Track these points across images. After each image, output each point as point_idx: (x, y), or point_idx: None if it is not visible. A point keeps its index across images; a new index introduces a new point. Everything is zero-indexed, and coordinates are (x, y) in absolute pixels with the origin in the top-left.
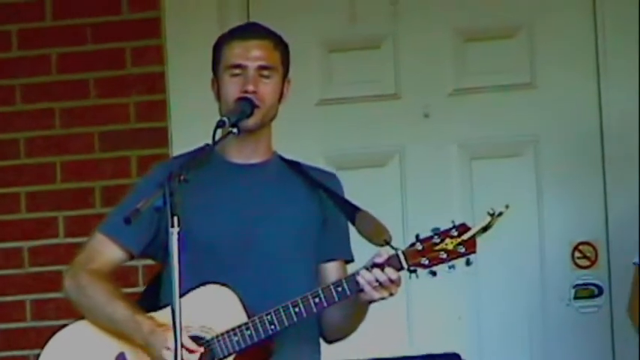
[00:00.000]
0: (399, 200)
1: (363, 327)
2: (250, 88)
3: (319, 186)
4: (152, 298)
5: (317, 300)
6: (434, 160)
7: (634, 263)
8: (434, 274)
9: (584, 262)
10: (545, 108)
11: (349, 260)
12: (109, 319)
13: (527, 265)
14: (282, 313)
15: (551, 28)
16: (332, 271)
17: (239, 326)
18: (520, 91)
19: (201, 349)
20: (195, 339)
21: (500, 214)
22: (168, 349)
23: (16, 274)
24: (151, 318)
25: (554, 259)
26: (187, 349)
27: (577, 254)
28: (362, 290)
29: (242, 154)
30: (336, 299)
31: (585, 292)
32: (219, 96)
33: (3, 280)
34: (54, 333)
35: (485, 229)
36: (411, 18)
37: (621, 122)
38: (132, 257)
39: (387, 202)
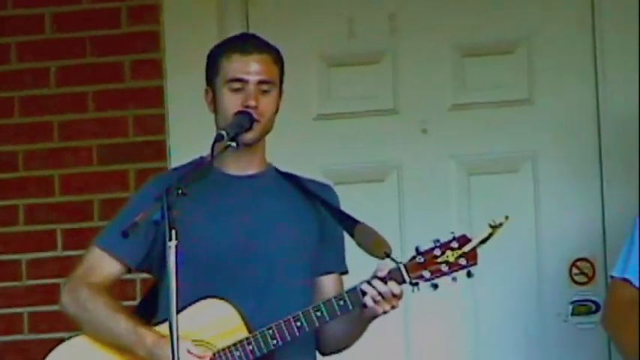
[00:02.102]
0: (397, 215)
1: (359, 341)
2: (252, 103)
3: (316, 197)
4: (147, 313)
5: (319, 314)
6: (432, 176)
7: (611, 276)
8: (435, 286)
9: (582, 279)
10: (543, 124)
11: (344, 272)
12: (111, 332)
13: (524, 280)
14: (284, 328)
15: (550, 44)
16: (329, 283)
17: (240, 341)
18: (518, 107)
19: (210, 354)
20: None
21: (501, 224)
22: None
23: (13, 286)
24: (154, 330)
25: (551, 275)
26: (198, 357)
27: (574, 270)
28: (364, 304)
29: (239, 166)
30: (339, 313)
31: (583, 308)
32: (214, 107)
33: (7, 294)
34: (53, 346)
35: (485, 240)
36: (409, 34)
37: (620, 139)
38: (129, 271)
39: (385, 217)
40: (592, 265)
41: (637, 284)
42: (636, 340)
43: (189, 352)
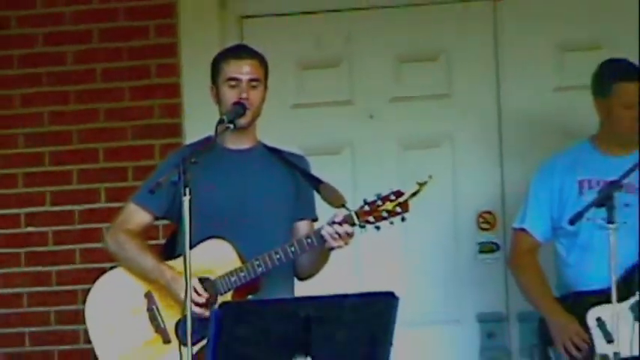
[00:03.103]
0: (350, 177)
1: (323, 272)
2: (244, 95)
3: (292, 165)
4: (170, 250)
5: (292, 249)
6: (376, 150)
7: (512, 228)
8: (378, 228)
9: (486, 226)
10: (459, 112)
11: (315, 219)
12: (140, 267)
13: (443, 227)
14: (267, 259)
15: (463, 54)
16: (303, 227)
17: (235, 270)
18: (440, 100)
19: (206, 295)
20: (203, 280)
21: (425, 182)
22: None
23: (69, 229)
24: (172, 267)
25: (463, 224)
26: (196, 292)
27: (480, 220)
28: (325, 241)
29: (236, 142)
30: (307, 248)
31: (487, 248)
32: (217, 100)
33: (59, 235)
34: (99, 274)
35: (414, 194)
36: (360, 45)
37: (514, 123)
38: (156, 219)
39: (342, 179)
40: (493, 216)
41: (532, 232)
42: (531, 279)
43: (194, 289)
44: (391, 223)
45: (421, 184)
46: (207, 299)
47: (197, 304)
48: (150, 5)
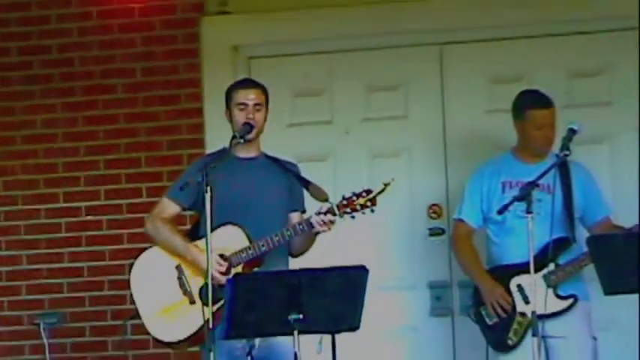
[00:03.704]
0: (332, 178)
1: (311, 250)
2: (251, 116)
3: (287, 169)
4: (194, 233)
5: (288, 233)
6: (351, 157)
7: (453, 218)
8: (353, 217)
9: (434, 216)
10: (414, 129)
11: (304, 211)
12: (171, 246)
13: (403, 216)
14: (269, 240)
15: (418, 83)
16: (295, 216)
17: (245, 248)
18: (400, 120)
19: (227, 264)
20: (220, 255)
21: (389, 183)
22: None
23: (118, 218)
24: (196, 246)
25: (417, 213)
26: (219, 264)
27: (430, 211)
28: (313, 227)
29: (244, 152)
30: (299, 232)
31: (435, 232)
32: (230, 120)
33: (111, 222)
34: (141, 251)
35: (381, 192)
36: (339, 78)
37: (456, 137)
38: (184, 210)
39: (326, 179)
40: (440, 208)
41: (467, 221)
42: (467, 257)
43: (217, 261)
44: (363, 213)
45: (386, 184)
46: (227, 267)
47: (221, 273)
48: (180, 49)
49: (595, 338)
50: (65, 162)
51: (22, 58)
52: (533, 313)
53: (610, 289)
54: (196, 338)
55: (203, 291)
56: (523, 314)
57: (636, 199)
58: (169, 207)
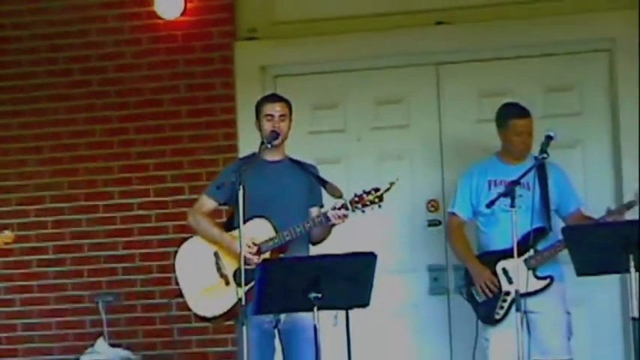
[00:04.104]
0: (345, 178)
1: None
2: (277, 126)
3: (308, 170)
4: (228, 225)
5: (308, 225)
6: (362, 160)
7: (449, 212)
8: (364, 211)
9: (432, 209)
10: (415, 137)
11: (322, 206)
12: (210, 235)
13: (406, 210)
14: (293, 231)
15: (416, 99)
16: (314, 210)
17: (272, 237)
18: (403, 129)
19: (256, 247)
20: (253, 244)
21: (394, 182)
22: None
23: (166, 212)
24: (231, 235)
25: (417, 207)
26: (248, 246)
27: (429, 205)
28: (329, 220)
29: (271, 156)
30: (318, 224)
31: (433, 223)
32: (259, 129)
33: (159, 216)
34: (182, 241)
35: (387, 190)
36: (351, 93)
37: (451, 142)
38: (220, 205)
39: (340, 179)
40: (437, 202)
41: (459, 214)
42: (459, 244)
43: (248, 245)
44: (372, 208)
45: (391, 183)
46: (257, 249)
47: (252, 254)
48: (216, 69)
49: (568, 313)
50: (119, 165)
51: (83, 77)
52: (516, 291)
53: (582, 271)
54: (231, 314)
55: (237, 274)
56: (507, 293)
57: (604, 193)
58: (207, 203)
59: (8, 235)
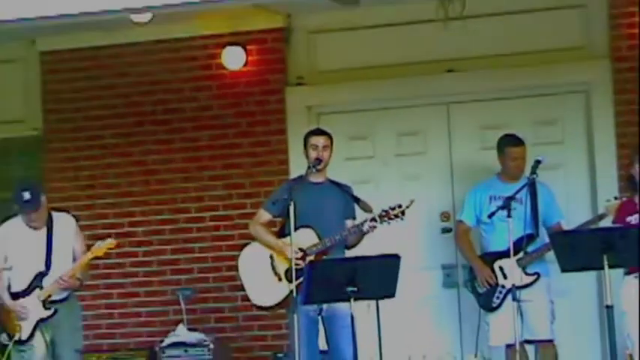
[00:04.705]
0: (375, 195)
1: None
2: (320, 154)
3: (344, 190)
4: (281, 233)
5: (344, 233)
6: (388, 181)
7: (457, 220)
8: (389, 223)
9: (444, 219)
10: (430, 161)
11: (355, 218)
12: (266, 241)
13: (423, 220)
14: (332, 238)
15: (432, 131)
16: (349, 222)
17: (316, 244)
18: (420, 155)
19: (301, 254)
20: (300, 249)
21: (413, 201)
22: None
23: (232, 223)
24: (282, 241)
25: (433, 218)
26: (296, 252)
27: (442, 216)
28: (362, 230)
29: (315, 178)
30: (352, 233)
31: (445, 230)
32: (306, 156)
33: (226, 226)
34: (244, 245)
35: (408, 206)
36: (379, 126)
37: (460, 166)
38: (274, 217)
39: (370, 196)
40: (448, 214)
41: (466, 222)
42: (465, 247)
43: (296, 252)
44: (396, 221)
45: (411, 202)
46: (302, 255)
47: (297, 259)
48: (272, 108)
49: (552, 302)
50: (195, 186)
51: (166, 116)
52: (512, 285)
53: (565, 268)
54: (283, 304)
55: (287, 272)
56: (503, 286)
57: (582, 207)
58: (264, 215)
59: (111, 242)
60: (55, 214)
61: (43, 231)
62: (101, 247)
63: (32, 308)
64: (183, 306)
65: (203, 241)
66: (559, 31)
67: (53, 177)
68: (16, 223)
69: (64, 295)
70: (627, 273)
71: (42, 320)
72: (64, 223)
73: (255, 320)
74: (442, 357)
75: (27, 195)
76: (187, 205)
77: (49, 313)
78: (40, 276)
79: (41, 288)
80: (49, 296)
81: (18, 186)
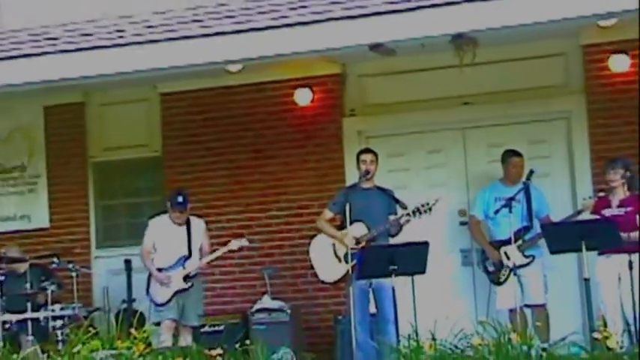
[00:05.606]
0: (410, 197)
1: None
2: (369, 168)
3: (387, 193)
4: (340, 226)
5: (388, 225)
6: (419, 187)
7: (470, 215)
8: (420, 218)
9: (462, 215)
10: (450, 173)
11: (396, 213)
12: (330, 233)
13: (446, 215)
14: (379, 229)
15: (450, 151)
16: (391, 217)
17: (366, 234)
18: (442, 167)
19: (355, 241)
20: (355, 238)
21: (437, 200)
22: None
23: (303, 219)
24: (341, 233)
25: (453, 214)
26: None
27: (460, 212)
28: (400, 223)
29: (365, 185)
30: (393, 225)
31: (463, 223)
32: (358, 169)
33: (302, 222)
34: (313, 236)
35: (434, 204)
36: (409, 149)
37: (474, 175)
38: (335, 215)
39: (407, 198)
40: (465, 210)
41: (477, 216)
42: (478, 235)
43: (350, 240)
44: (425, 216)
45: (436, 200)
46: (356, 241)
47: (354, 246)
48: (331, 133)
49: (545, 276)
50: (276, 192)
51: (252, 140)
52: (513, 264)
53: (553, 250)
54: (342, 280)
55: (345, 256)
56: (507, 266)
57: (565, 206)
58: (327, 214)
59: (244, 241)
60: (191, 216)
61: (184, 227)
62: (236, 244)
63: (175, 280)
64: (267, 281)
65: (281, 232)
66: (547, 73)
67: (170, 187)
68: (162, 220)
69: (194, 273)
70: (600, 254)
71: (180, 291)
72: (198, 224)
73: (320, 291)
74: (460, 318)
75: (180, 198)
76: (268, 206)
77: (187, 285)
78: (184, 259)
79: (184, 267)
80: (189, 274)
81: (174, 191)
